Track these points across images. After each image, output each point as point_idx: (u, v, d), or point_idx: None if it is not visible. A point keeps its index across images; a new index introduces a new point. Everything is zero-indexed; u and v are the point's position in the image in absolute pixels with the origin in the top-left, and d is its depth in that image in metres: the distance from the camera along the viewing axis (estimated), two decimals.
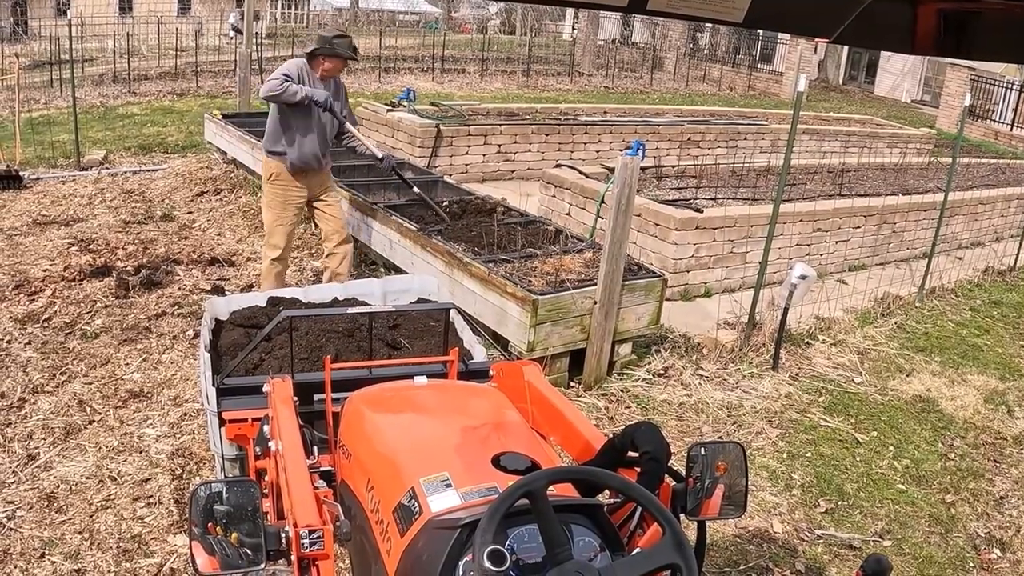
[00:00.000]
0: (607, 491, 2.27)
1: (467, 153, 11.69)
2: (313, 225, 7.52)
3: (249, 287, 6.95)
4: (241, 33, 13.01)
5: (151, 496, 4.28)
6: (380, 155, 6.73)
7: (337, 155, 9.64)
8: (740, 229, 7.98)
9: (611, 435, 2.53)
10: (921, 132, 18.19)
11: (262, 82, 13.34)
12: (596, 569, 1.81)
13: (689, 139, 13.78)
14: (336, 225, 6.41)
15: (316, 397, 3.24)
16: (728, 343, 6.60)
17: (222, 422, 3.34)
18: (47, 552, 3.84)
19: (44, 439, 4.70)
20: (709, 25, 27.35)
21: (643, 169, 8.98)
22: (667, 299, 6.49)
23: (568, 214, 8.89)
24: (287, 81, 5.82)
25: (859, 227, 9.25)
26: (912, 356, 7.13)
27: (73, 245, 7.76)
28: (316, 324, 4.30)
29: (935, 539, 4.65)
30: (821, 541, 4.49)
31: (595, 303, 5.65)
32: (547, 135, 12.45)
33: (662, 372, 6.14)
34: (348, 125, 6.40)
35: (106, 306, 6.47)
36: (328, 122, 6.20)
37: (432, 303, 4.62)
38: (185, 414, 5.05)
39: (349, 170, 8.69)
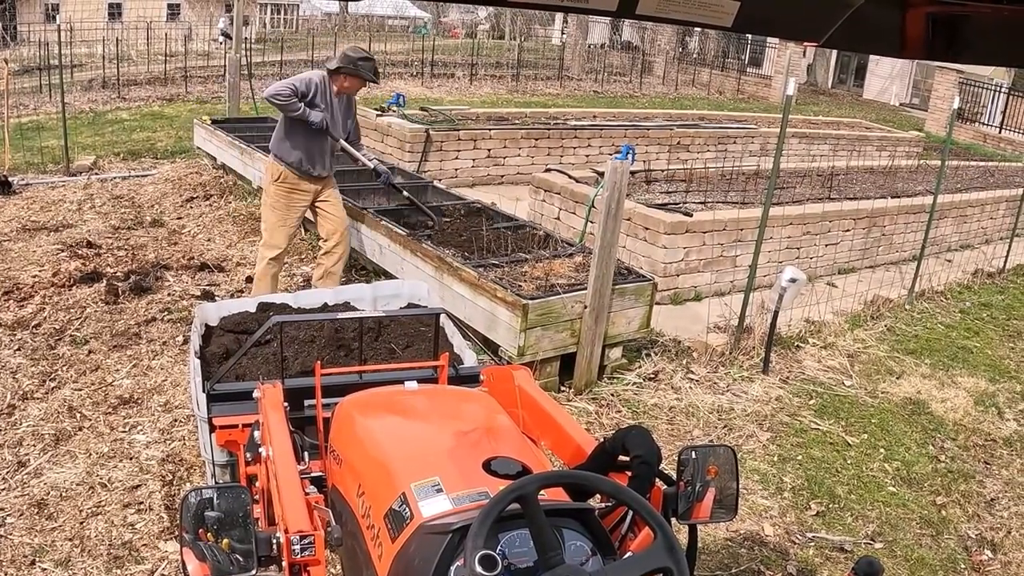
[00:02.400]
0: (598, 495, 2.27)
1: (457, 158, 11.69)
2: (305, 229, 7.52)
3: (240, 292, 6.93)
4: (230, 38, 12.96)
5: (142, 503, 4.26)
6: (375, 167, 6.88)
7: None
8: (730, 233, 8.00)
9: (602, 439, 2.54)
10: (910, 135, 18.26)
11: (251, 88, 13.32)
12: (588, 573, 1.81)
13: (679, 143, 13.81)
14: (337, 224, 6.48)
15: (307, 402, 3.23)
16: (718, 347, 6.60)
17: (212, 428, 3.33)
18: (37, 559, 3.82)
19: (34, 446, 4.68)
20: (698, 29, 27.43)
21: (633, 173, 9.00)
22: (657, 303, 6.50)
23: (558, 218, 8.90)
24: (293, 96, 5.98)
25: (848, 230, 9.28)
26: (902, 358, 7.15)
27: (62, 251, 7.73)
28: (306, 329, 4.29)
29: (926, 541, 4.66)
30: (812, 544, 4.50)
31: (585, 307, 5.65)
32: (536, 139, 12.46)
33: (652, 376, 6.14)
34: (343, 143, 6.49)
35: (96, 312, 6.44)
36: (336, 124, 6.33)
37: (422, 308, 4.62)
38: (175, 420, 5.03)
39: (338, 175, 8.68)
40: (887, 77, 31.25)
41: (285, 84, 6.05)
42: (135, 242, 8.19)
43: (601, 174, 7.56)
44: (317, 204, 6.45)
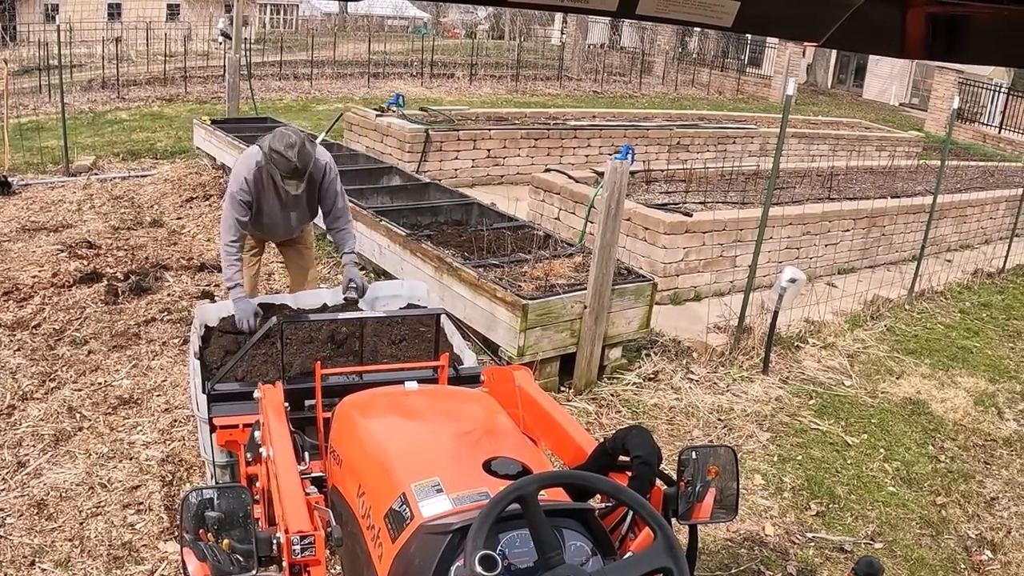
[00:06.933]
0: (598, 495, 2.27)
1: (456, 158, 11.69)
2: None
3: None
4: (230, 38, 12.96)
5: (141, 503, 4.26)
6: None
7: None
8: (729, 233, 7.99)
9: (602, 439, 2.54)
10: (910, 135, 18.27)
11: (251, 88, 13.23)
12: (588, 573, 1.81)
13: (678, 143, 13.80)
14: (300, 277, 5.51)
15: (307, 403, 3.24)
16: (718, 347, 6.60)
17: (213, 428, 3.33)
18: (37, 560, 3.81)
19: (34, 446, 4.68)
20: (698, 29, 27.42)
21: (632, 173, 9.00)
22: (657, 303, 6.50)
23: (557, 218, 8.90)
24: (236, 240, 4.70)
25: (848, 230, 9.28)
26: (902, 359, 7.15)
27: (62, 251, 7.72)
28: (306, 330, 4.29)
29: (926, 541, 4.66)
30: (812, 544, 4.50)
31: (585, 307, 5.65)
32: (536, 140, 12.46)
33: (652, 376, 6.14)
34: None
35: (95, 312, 6.44)
36: (296, 212, 5.07)
37: (422, 308, 4.62)
38: (175, 420, 5.03)
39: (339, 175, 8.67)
40: (887, 77, 31.25)
41: (228, 218, 4.67)
42: (135, 242, 8.19)
43: (601, 174, 7.56)
44: (281, 249, 5.59)
